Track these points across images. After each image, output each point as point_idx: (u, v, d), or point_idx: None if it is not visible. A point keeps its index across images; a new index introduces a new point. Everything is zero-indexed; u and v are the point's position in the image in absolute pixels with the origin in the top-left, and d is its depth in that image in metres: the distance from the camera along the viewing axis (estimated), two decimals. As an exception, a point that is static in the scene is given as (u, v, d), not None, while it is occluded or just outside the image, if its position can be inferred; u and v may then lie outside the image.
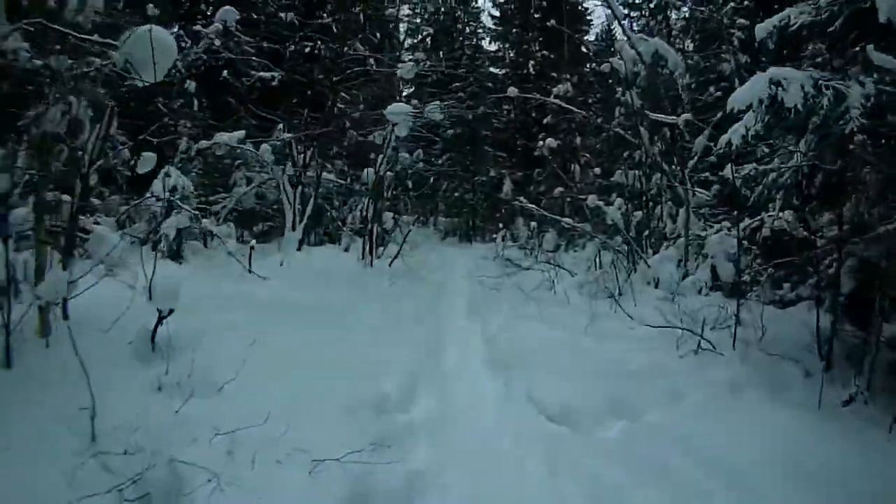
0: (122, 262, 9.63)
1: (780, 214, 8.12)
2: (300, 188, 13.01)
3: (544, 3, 27.85)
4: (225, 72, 15.17)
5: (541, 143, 18.43)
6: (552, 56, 25.81)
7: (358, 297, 8.14)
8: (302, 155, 13.11)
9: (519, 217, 22.16)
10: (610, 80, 28.10)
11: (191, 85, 14.60)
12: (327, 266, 10.14)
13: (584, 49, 28.78)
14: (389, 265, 11.21)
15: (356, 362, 5.24)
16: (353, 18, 17.53)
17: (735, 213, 10.89)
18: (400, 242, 12.32)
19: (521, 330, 6.98)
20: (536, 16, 28.72)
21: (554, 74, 23.98)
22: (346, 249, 13.60)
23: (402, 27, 32.08)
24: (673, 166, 12.06)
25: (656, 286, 10.49)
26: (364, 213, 11.50)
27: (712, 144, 12.79)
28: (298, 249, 12.52)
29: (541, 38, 28.28)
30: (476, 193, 25.74)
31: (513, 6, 31.01)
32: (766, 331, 6.56)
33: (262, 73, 14.85)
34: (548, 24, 25.41)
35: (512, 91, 13.41)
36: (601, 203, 10.64)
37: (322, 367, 5.03)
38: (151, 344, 5.21)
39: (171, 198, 11.48)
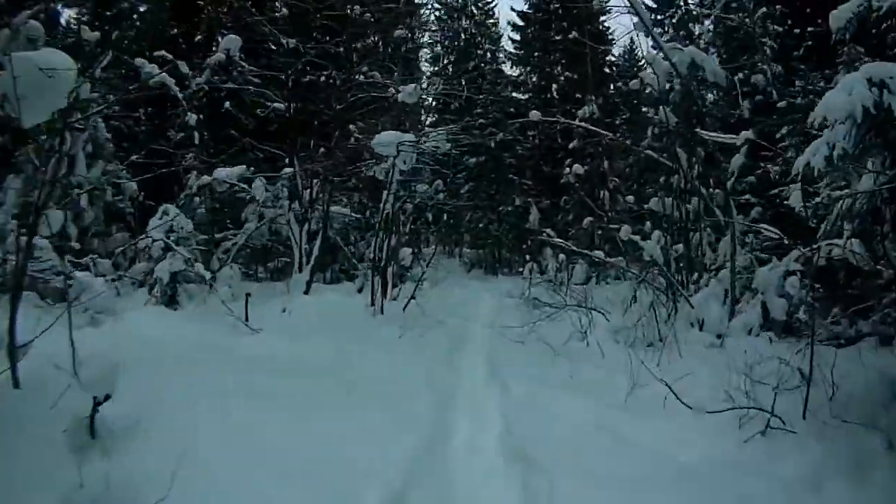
0: (109, 308, 8.82)
1: (849, 243, 6.98)
2: (307, 225, 12.07)
3: (564, 24, 26.87)
4: (227, 103, 14.42)
5: (567, 169, 17.31)
6: (576, 76, 24.77)
7: (358, 353, 7.07)
8: (308, 190, 12.16)
9: (547, 247, 21.05)
10: (636, 101, 27.46)
11: (191, 117, 13.84)
12: (333, 313, 9.14)
13: (607, 69, 27.90)
14: (403, 309, 10.14)
15: (332, 463, 4.09)
16: (370, 46, 16.80)
17: (786, 240, 9.78)
18: (417, 281, 11.21)
19: (546, 405, 5.74)
20: (557, 38, 27.75)
21: (578, 96, 22.92)
22: (360, 290, 12.60)
23: (422, 53, 31.73)
24: (710, 189, 10.96)
25: (700, 328, 9.33)
26: (374, 253, 10.44)
27: (747, 161, 11.75)
28: (306, 292, 11.58)
29: (563, 60, 27.29)
30: (501, 224, 24.65)
31: (533, 28, 30.13)
32: (838, 388, 5.44)
33: (275, 104, 13.99)
34: (569, 37, 24.38)
35: (535, 115, 12.41)
36: (637, 238, 9.51)
37: (287, 471, 3.92)
38: (90, 430, 4.22)
39: (167, 239, 10.70)
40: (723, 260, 10.58)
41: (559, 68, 27.11)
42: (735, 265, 9.48)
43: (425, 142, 9.32)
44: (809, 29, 13.79)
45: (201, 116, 14.44)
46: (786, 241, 9.57)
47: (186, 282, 11.03)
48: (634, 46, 30.25)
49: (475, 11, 32.21)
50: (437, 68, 32.95)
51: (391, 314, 9.57)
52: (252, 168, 13.24)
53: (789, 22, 14.16)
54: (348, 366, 6.47)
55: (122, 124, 15.35)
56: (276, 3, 16.15)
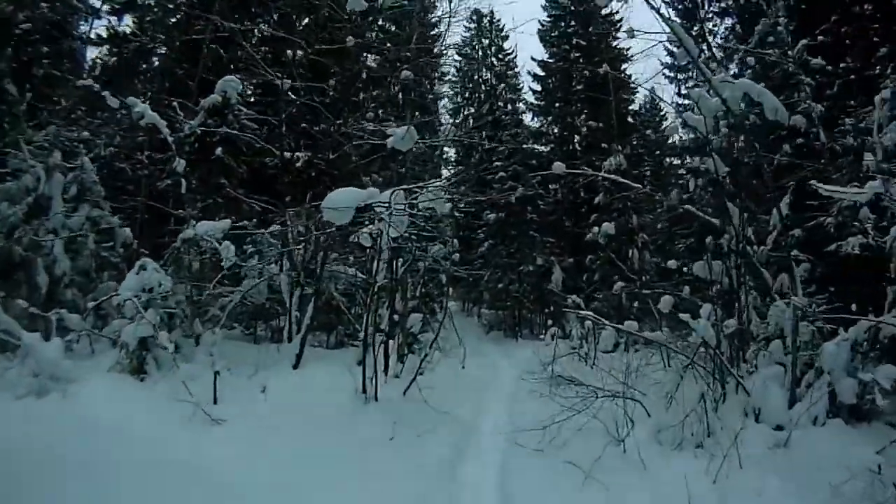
0: (62, 375, 7.48)
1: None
2: (300, 289, 10.72)
3: (587, 73, 25.90)
4: (220, 149, 13.25)
5: (595, 228, 15.78)
6: (600, 125, 23.54)
7: (328, 470, 5.60)
8: (301, 249, 10.82)
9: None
10: (658, 151, 26.16)
11: (179, 163, 12.63)
12: (316, 399, 7.68)
13: (630, 119, 26.74)
14: (404, 393, 8.62)
15: None
16: (390, 96, 15.71)
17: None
18: (421, 358, 9.68)
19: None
20: (578, 87, 26.79)
21: (604, 146, 21.58)
22: (360, 363, 11.15)
23: (442, 106, 30.90)
24: (754, 246, 9.48)
25: (757, 418, 7.76)
26: (365, 330, 8.98)
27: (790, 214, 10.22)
28: (295, 365, 10.18)
29: (585, 111, 26.19)
30: (522, 284, 23.12)
31: (553, 78, 29.21)
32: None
33: (297, 154, 12.79)
34: (591, 78, 23.32)
35: (558, 167, 11.01)
36: (686, 317, 7.94)
37: None
38: None
39: (137, 300, 9.42)
40: (773, 329, 9.03)
41: (581, 118, 25.96)
42: (797, 338, 7.93)
43: (416, 201, 7.51)
44: (843, 64, 12.45)
45: (189, 164, 13.32)
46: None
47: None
48: (655, 99, 29.16)
49: (495, 63, 31.55)
50: (458, 120, 32.24)
51: (387, 401, 8.01)
52: (247, 221, 12.07)
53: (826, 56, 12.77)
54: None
55: (126, 167, 14.36)
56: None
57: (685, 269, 11.96)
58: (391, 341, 12.28)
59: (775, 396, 7.79)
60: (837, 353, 7.79)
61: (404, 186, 7.37)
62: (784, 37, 12.17)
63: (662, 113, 29.75)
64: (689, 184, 10.90)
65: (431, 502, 5.43)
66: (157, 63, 17.20)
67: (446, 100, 32.49)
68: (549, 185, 25.49)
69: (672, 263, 12.70)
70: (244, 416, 7.03)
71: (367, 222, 8.23)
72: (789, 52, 11.36)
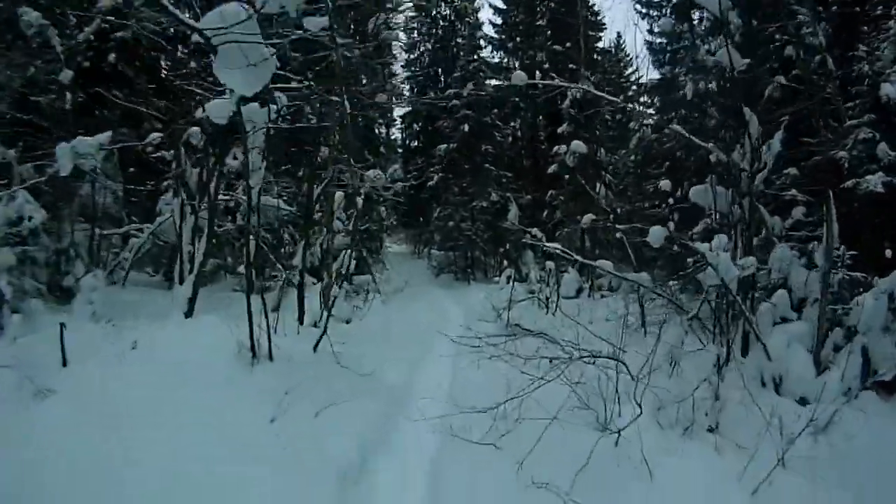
0: None
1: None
2: (195, 220, 8.52)
3: (552, 4, 23.78)
4: (112, 56, 10.86)
5: (563, 148, 13.57)
6: (567, 47, 21.23)
7: (150, 483, 3.57)
8: (197, 170, 8.56)
9: (528, 251, 17.59)
10: (622, 96, 23.93)
11: (66, 74, 10.32)
12: (191, 357, 5.55)
13: (596, 56, 24.55)
14: (315, 348, 6.55)
15: None
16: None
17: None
18: (324, 311, 7.48)
19: None
20: (541, 22, 24.70)
21: (572, 66, 19.19)
22: (276, 308, 9.08)
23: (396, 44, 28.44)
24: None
25: (777, 389, 5.98)
26: (248, 264, 6.70)
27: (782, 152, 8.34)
28: (188, 314, 8.05)
29: (549, 42, 23.88)
30: (475, 222, 21.04)
31: (517, 10, 26.96)
32: None
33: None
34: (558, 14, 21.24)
35: (519, 77, 8.92)
36: (707, 247, 5.92)
37: None
38: None
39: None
40: (776, 277, 7.21)
41: (544, 54, 23.56)
42: (827, 290, 6.12)
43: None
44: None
45: (83, 75, 10.97)
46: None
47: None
48: (622, 41, 27.86)
49: None
50: (413, 56, 30.11)
51: (285, 361, 5.88)
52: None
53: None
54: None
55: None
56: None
57: (671, 199, 10.04)
58: (314, 284, 10.27)
59: (800, 362, 6.03)
60: (876, 309, 6.05)
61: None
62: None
63: (629, 58, 27.85)
64: (686, 89, 8.76)
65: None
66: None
67: (402, 34, 30.04)
68: (510, 123, 23.56)
69: (665, 185, 10.37)
70: (86, 385, 4.95)
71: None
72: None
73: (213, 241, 8.09)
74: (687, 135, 8.24)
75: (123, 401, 4.68)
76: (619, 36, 30.97)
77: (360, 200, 11.13)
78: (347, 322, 10.09)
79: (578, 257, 7.19)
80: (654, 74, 23.94)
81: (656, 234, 6.47)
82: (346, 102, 6.74)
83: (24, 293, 8.29)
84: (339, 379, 5.70)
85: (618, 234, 10.79)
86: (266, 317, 5.89)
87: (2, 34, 10.80)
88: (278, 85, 6.36)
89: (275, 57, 4.27)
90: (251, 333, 5.72)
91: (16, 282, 7.93)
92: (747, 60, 6.81)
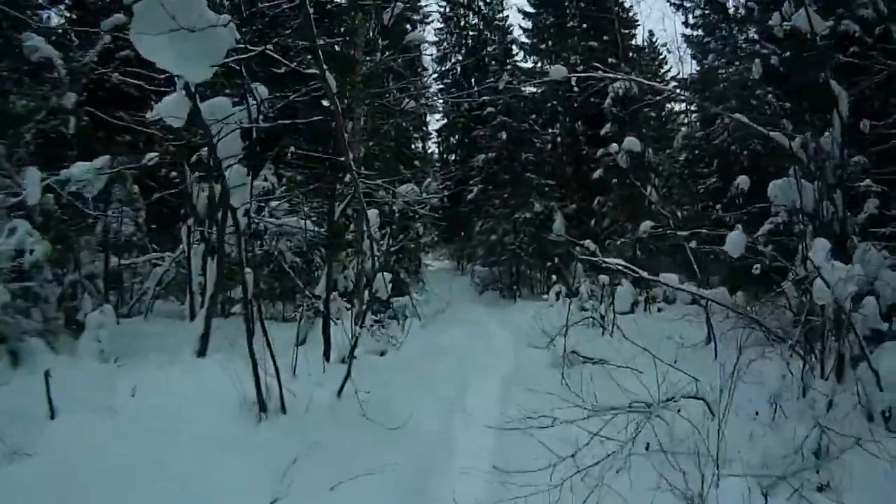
0: None
1: None
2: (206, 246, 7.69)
3: (582, 3, 22.94)
4: (115, 75, 10.19)
5: (614, 147, 12.30)
6: (605, 39, 20.27)
7: None
8: (206, 193, 7.72)
9: (576, 263, 16.44)
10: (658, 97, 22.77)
11: (69, 98, 9.73)
12: (189, 414, 4.65)
13: (632, 54, 23.48)
14: (338, 394, 5.56)
15: None
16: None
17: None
18: (351, 347, 6.38)
19: None
20: (572, 23, 23.85)
21: (611, 60, 18.09)
22: (302, 342, 8.20)
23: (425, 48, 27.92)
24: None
25: (887, 425, 4.84)
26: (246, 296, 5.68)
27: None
28: (201, 354, 7.17)
29: (582, 42, 22.83)
30: (518, 234, 20.00)
31: (545, 12, 26.33)
32: None
33: None
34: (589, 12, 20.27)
35: (557, 71, 8.00)
36: (822, 257, 4.78)
37: None
38: None
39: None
40: (861, 283, 6.04)
41: (578, 56, 22.50)
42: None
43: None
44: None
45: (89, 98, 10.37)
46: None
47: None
48: (655, 40, 26.94)
49: (482, 6, 29.76)
50: (443, 68, 29.59)
51: (300, 414, 4.88)
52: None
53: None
54: None
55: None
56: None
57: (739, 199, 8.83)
58: (347, 310, 9.40)
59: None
60: None
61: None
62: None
63: (663, 57, 26.98)
64: (752, 70, 7.62)
65: None
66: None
67: (433, 48, 29.49)
68: (549, 129, 22.61)
69: (743, 181, 8.91)
70: (67, 443, 4.15)
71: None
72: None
73: (224, 271, 7.15)
74: (751, 124, 7.15)
75: (102, 464, 3.94)
76: (651, 34, 30.28)
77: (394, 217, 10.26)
78: (382, 354, 9.18)
79: (644, 273, 6.15)
80: (689, 70, 23.39)
81: (735, 242, 5.42)
82: (364, 104, 5.81)
83: (21, 332, 7.59)
84: (363, 434, 4.73)
85: (689, 243, 9.60)
86: (274, 362, 4.94)
87: (15, 64, 10.34)
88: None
89: (232, 25, 3.25)
90: (257, 383, 4.76)
91: (9, 320, 7.20)
92: (830, 23, 5.73)
